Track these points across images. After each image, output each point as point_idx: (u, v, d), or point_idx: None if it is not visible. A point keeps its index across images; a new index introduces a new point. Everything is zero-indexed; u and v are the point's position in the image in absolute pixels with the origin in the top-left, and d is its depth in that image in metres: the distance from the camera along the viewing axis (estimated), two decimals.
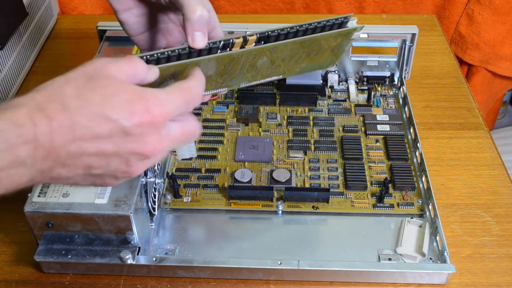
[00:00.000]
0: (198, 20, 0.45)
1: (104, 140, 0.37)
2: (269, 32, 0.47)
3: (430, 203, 0.60)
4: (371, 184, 0.64)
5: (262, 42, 0.48)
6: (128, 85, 0.39)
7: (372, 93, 0.76)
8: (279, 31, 0.48)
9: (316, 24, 0.49)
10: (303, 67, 0.56)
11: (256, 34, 0.47)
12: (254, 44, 0.47)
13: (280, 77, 0.56)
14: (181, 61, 0.45)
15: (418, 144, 0.67)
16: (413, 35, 0.75)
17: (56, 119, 0.36)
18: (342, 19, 0.51)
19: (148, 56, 0.43)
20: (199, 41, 0.45)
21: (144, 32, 0.55)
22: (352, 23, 0.52)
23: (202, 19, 0.45)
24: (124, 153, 0.39)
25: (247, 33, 0.47)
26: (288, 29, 0.48)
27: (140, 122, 0.38)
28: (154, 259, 0.54)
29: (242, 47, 0.47)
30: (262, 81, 0.55)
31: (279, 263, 0.54)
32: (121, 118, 0.37)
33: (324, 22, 0.49)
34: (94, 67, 0.39)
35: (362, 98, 0.77)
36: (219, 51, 0.46)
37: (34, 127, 0.35)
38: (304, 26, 0.48)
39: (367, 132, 0.71)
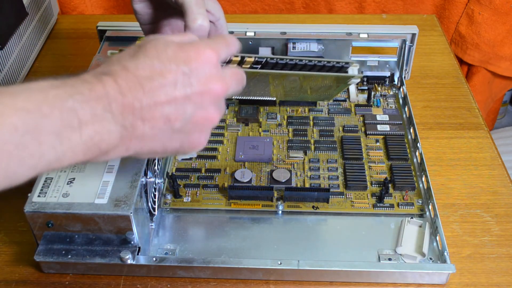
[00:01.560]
0: (198, 29, 0.48)
1: (171, 87, 0.39)
2: (278, 60, 0.52)
3: (430, 203, 0.60)
4: (371, 184, 0.64)
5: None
6: (173, 37, 0.42)
7: (372, 93, 0.76)
8: (287, 60, 0.53)
9: (316, 62, 0.53)
10: (299, 96, 0.66)
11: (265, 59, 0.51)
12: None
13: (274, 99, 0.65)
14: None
15: (418, 144, 0.67)
16: (413, 35, 0.75)
17: (120, 77, 0.38)
18: (343, 63, 0.55)
19: None
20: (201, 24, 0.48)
21: (154, 23, 0.56)
22: (352, 70, 0.54)
23: (201, 29, 0.48)
24: (194, 95, 0.40)
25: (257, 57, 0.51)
26: (296, 61, 0.53)
27: (196, 62, 0.40)
28: (154, 259, 0.54)
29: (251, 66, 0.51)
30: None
31: (279, 263, 0.54)
32: (179, 63, 0.40)
33: (325, 63, 0.54)
34: (143, 40, 0.42)
35: (362, 98, 0.77)
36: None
37: (102, 84, 0.38)
38: (308, 62, 0.53)
39: (367, 132, 0.71)
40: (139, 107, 0.38)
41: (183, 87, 0.40)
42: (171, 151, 0.43)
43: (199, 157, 0.68)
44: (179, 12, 0.51)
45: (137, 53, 0.40)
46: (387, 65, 0.78)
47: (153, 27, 0.57)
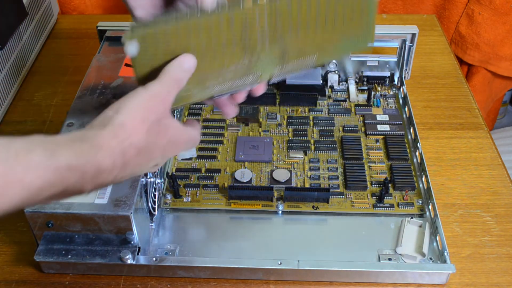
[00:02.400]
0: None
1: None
2: None
3: (430, 203, 0.60)
4: (371, 184, 0.64)
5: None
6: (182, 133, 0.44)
7: (372, 93, 0.76)
8: None
9: None
10: (336, 45, 0.49)
11: None
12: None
13: (315, 58, 0.49)
14: (185, 21, 0.41)
15: (418, 144, 0.67)
16: (413, 35, 0.75)
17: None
18: None
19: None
20: (209, 1, 0.44)
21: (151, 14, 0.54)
22: None
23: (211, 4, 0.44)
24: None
25: None
26: None
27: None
28: (154, 259, 0.54)
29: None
30: (296, 67, 0.49)
31: (279, 263, 0.54)
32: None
33: None
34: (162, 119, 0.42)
35: (362, 98, 0.77)
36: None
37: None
38: None
39: (367, 132, 0.71)
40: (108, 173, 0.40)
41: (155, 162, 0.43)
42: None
43: (199, 157, 0.68)
44: None
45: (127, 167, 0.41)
46: (387, 65, 0.78)
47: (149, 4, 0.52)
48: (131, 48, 0.41)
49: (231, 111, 0.51)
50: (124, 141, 0.39)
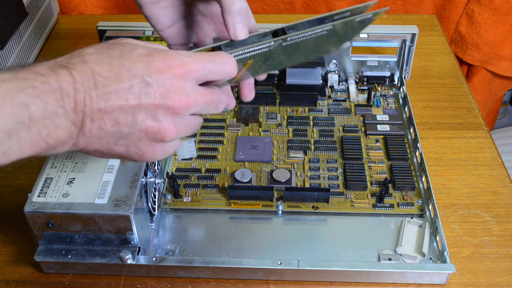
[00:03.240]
0: (239, 12, 0.45)
1: (125, 92, 0.38)
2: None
3: (430, 203, 0.60)
4: (371, 184, 0.64)
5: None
6: (147, 44, 0.40)
7: (372, 93, 0.76)
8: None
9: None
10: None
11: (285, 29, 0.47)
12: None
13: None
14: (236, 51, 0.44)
15: (418, 144, 0.67)
16: (413, 35, 0.75)
17: (76, 69, 0.37)
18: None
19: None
20: (241, 33, 0.45)
21: (172, 26, 0.54)
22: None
23: (241, 10, 0.46)
24: (148, 105, 0.39)
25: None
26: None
27: (159, 73, 0.38)
28: (154, 259, 0.54)
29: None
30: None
31: (279, 263, 0.54)
32: (140, 68, 0.38)
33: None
34: (115, 40, 0.40)
35: (362, 98, 0.77)
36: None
37: (56, 76, 0.36)
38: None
39: (367, 132, 0.71)
40: (90, 105, 0.37)
41: (138, 95, 0.38)
42: (116, 156, 0.41)
43: (199, 157, 0.68)
44: (202, 1, 0.49)
45: (101, 49, 0.39)
46: (387, 65, 0.78)
47: (172, 31, 0.54)
48: None
49: (250, 94, 0.51)
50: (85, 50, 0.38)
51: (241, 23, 0.46)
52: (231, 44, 0.46)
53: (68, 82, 0.36)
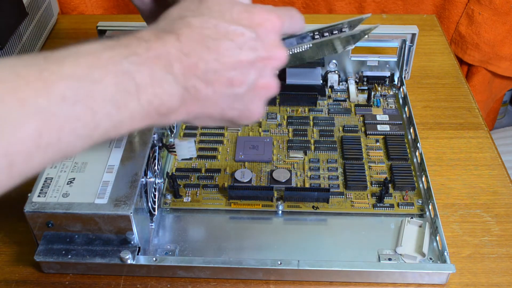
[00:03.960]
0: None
1: (237, 49, 0.37)
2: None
3: (430, 203, 0.60)
4: (371, 184, 0.64)
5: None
6: (239, 2, 0.39)
7: (372, 93, 0.76)
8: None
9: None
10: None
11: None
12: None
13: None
14: None
15: (418, 144, 0.67)
16: (413, 35, 0.75)
17: (184, 34, 0.36)
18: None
19: None
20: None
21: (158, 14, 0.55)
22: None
23: None
24: (258, 61, 0.39)
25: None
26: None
27: (262, 27, 0.39)
28: (154, 259, 0.54)
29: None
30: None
31: (279, 263, 0.54)
32: (245, 25, 0.38)
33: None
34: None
35: (362, 98, 0.77)
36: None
37: (162, 42, 0.35)
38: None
39: (367, 132, 0.71)
40: (204, 69, 0.36)
41: (248, 51, 0.38)
42: (229, 119, 0.41)
43: (199, 157, 0.68)
44: None
45: (200, 9, 0.38)
46: (387, 65, 0.78)
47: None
48: None
49: None
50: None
51: None
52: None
53: (176, 48, 0.35)
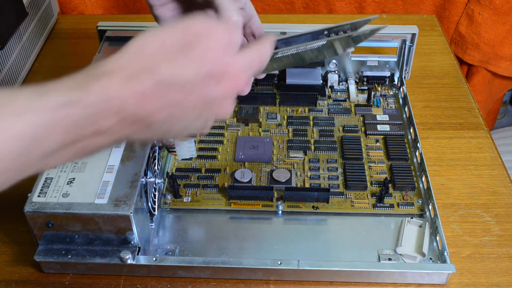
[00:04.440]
0: (235, 24, 0.47)
1: (190, 108, 0.38)
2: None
3: (430, 203, 0.60)
4: (371, 184, 0.64)
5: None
6: (221, 58, 0.38)
7: (372, 93, 0.76)
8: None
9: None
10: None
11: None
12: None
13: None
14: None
15: (418, 144, 0.67)
16: (413, 35, 0.75)
17: (147, 91, 0.35)
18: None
19: None
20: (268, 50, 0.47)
21: None
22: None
23: (237, 25, 0.47)
24: (205, 116, 0.40)
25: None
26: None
27: (225, 91, 0.39)
28: (154, 259, 0.54)
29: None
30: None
31: (279, 263, 0.54)
32: (211, 90, 0.38)
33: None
34: (194, 35, 0.38)
35: (362, 98, 0.77)
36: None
37: (124, 101, 0.35)
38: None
39: (367, 132, 0.71)
40: (150, 121, 0.37)
41: (200, 111, 0.39)
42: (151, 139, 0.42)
43: (199, 157, 0.68)
44: (208, 6, 0.51)
45: (179, 55, 0.36)
46: (387, 65, 0.78)
47: None
48: None
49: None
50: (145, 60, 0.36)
51: None
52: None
53: (133, 105, 0.35)
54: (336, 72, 0.79)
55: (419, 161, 0.67)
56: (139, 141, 0.40)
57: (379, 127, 0.71)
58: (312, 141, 0.70)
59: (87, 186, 0.53)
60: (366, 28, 0.51)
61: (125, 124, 0.36)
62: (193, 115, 0.39)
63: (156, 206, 0.59)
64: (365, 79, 0.78)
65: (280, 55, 0.48)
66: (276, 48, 0.49)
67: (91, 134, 0.35)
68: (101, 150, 0.38)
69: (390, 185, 0.63)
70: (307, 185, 0.64)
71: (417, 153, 0.67)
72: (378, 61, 0.78)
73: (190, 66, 0.37)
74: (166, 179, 0.64)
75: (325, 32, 0.52)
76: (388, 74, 0.78)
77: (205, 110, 0.39)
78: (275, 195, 0.63)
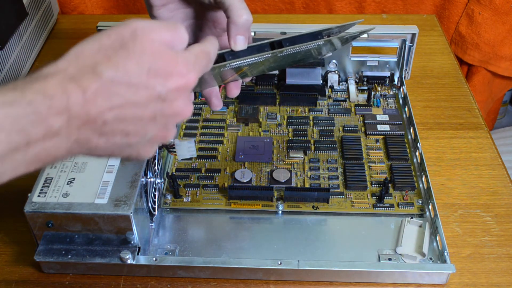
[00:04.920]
0: (244, 24, 0.47)
1: (141, 107, 0.37)
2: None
3: (430, 203, 0.60)
4: (371, 184, 0.64)
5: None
6: (163, 52, 0.38)
7: (372, 93, 0.76)
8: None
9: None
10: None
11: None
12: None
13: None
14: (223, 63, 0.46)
15: (418, 144, 0.67)
16: (413, 35, 0.75)
17: (91, 89, 0.35)
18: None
19: None
20: (241, 44, 0.48)
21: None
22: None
23: (247, 24, 0.47)
24: (161, 117, 0.38)
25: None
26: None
27: (175, 88, 0.38)
28: (154, 259, 0.54)
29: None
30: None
31: (279, 263, 0.54)
32: (157, 85, 0.37)
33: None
34: (130, 32, 0.37)
35: (362, 98, 0.77)
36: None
37: (66, 97, 0.34)
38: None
39: (367, 132, 0.71)
40: (101, 123, 0.36)
41: (152, 109, 0.37)
42: (115, 157, 0.41)
43: (199, 157, 0.68)
44: (211, 8, 0.50)
45: (117, 62, 0.36)
46: (387, 65, 0.78)
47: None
48: None
49: (235, 90, 0.53)
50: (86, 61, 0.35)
51: (243, 35, 0.48)
52: (233, 53, 0.48)
53: (79, 105, 0.34)
54: (336, 72, 0.79)
55: (419, 161, 0.67)
56: (104, 154, 0.38)
57: (379, 127, 0.71)
58: (312, 141, 0.70)
59: (87, 186, 0.53)
60: (346, 32, 0.52)
61: (75, 125, 0.35)
62: (146, 116, 0.37)
63: (156, 206, 0.59)
64: (365, 79, 0.78)
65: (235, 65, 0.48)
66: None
67: (42, 135, 0.34)
68: (61, 158, 0.37)
69: (390, 185, 0.63)
70: (307, 185, 0.64)
71: (417, 153, 0.67)
72: (378, 61, 0.78)
73: (130, 61, 0.36)
74: (166, 179, 0.64)
75: (318, 36, 0.51)
76: (388, 74, 0.78)
77: (159, 111, 0.38)
78: (275, 195, 0.63)
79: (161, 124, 0.39)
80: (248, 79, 0.55)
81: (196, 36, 0.56)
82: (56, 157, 0.36)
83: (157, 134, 0.39)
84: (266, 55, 0.48)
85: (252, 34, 0.75)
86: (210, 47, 0.43)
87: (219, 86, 0.53)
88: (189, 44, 0.56)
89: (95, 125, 0.36)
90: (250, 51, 0.48)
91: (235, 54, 0.48)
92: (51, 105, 0.34)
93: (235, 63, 0.47)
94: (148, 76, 0.36)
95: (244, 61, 0.47)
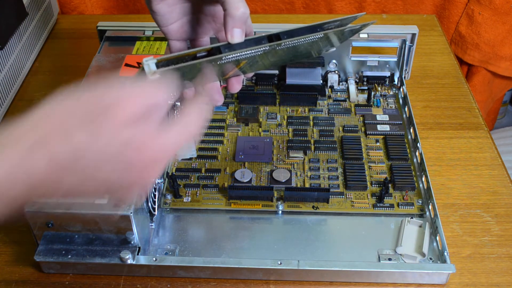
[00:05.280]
0: (240, 17, 0.47)
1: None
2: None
3: (430, 203, 0.60)
4: (371, 184, 0.64)
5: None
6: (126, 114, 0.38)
7: (372, 93, 0.76)
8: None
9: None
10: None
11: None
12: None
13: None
14: (199, 61, 0.45)
15: (418, 144, 0.67)
16: (413, 35, 0.75)
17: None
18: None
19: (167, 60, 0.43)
20: (238, 37, 0.47)
21: (175, 22, 0.55)
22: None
23: (244, 16, 0.47)
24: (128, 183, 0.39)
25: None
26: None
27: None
28: (154, 259, 0.54)
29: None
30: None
31: (279, 263, 0.54)
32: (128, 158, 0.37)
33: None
34: (104, 106, 0.38)
35: (362, 98, 0.77)
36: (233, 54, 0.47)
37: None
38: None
39: (367, 132, 0.71)
40: None
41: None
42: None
43: (199, 157, 0.68)
44: (208, 2, 0.50)
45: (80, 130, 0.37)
46: (387, 65, 0.78)
47: (174, 27, 0.55)
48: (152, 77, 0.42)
49: (237, 86, 0.53)
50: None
51: (240, 28, 0.47)
52: (230, 46, 0.47)
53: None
54: (336, 72, 0.79)
55: (419, 161, 0.67)
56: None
57: (379, 127, 0.71)
58: (312, 141, 0.70)
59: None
60: (356, 25, 0.51)
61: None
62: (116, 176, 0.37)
63: (156, 206, 0.59)
64: (365, 79, 0.78)
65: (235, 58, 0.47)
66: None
67: None
68: None
69: (390, 185, 0.63)
70: (307, 185, 0.64)
71: (417, 153, 0.67)
72: (378, 61, 0.78)
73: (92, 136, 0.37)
74: (166, 179, 0.64)
75: (318, 29, 0.51)
76: (388, 74, 0.78)
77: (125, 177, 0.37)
78: (275, 195, 0.63)
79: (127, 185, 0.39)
80: (250, 75, 0.55)
81: (195, 31, 0.56)
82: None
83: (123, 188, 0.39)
84: (264, 48, 0.48)
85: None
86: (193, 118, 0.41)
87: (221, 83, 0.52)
88: (189, 40, 0.57)
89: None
90: (247, 44, 0.48)
91: (231, 47, 0.47)
92: None
93: (231, 56, 0.46)
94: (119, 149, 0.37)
95: (241, 54, 0.47)
